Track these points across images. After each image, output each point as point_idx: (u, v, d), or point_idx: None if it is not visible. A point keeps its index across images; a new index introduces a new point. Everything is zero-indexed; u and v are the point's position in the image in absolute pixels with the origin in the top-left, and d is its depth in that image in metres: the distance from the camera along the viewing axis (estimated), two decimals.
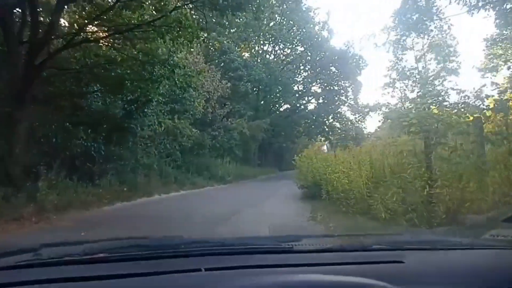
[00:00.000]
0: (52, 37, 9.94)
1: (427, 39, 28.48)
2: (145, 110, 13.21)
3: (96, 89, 12.56)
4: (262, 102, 31.49)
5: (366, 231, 5.08)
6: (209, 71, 21.35)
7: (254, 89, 28.99)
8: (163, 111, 15.56)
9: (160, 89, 12.93)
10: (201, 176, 18.12)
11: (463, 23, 64.45)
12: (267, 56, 32.59)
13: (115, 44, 12.34)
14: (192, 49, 12.77)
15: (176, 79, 11.26)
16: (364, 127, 31.75)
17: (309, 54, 33.70)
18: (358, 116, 32.11)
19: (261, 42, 33.17)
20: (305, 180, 11.06)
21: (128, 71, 11.89)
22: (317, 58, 33.25)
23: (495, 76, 27.83)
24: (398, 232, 4.29)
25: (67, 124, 10.41)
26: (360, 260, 1.46)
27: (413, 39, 28.94)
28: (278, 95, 32.95)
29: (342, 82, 32.76)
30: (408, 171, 5.64)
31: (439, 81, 27.17)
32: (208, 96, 20.65)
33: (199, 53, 20.70)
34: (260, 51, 32.69)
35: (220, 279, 1.24)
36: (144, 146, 13.86)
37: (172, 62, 10.83)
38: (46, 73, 11.22)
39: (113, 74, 11.76)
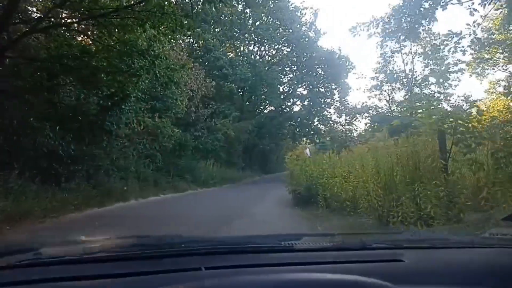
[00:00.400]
0: (13, 20, 8.78)
1: (417, 41, 28.15)
2: (123, 106, 12.05)
3: (68, 82, 11.36)
4: (247, 103, 30.53)
5: (366, 230, 4.94)
6: (193, 69, 20.40)
7: (239, 89, 28.01)
8: (142, 108, 14.42)
9: (140, 84, 11.82)
10: (183, 179, 16.99)
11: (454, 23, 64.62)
12: (253, 56, 31.65)
13: (90, 33, 11.21)
14: (174, 41, 11.68)
15: (157, 72, 10.15)
16: (355, 129, 31.07)
17: (296, 55, 32.96)
18: (348, 118, 31.42)
19: (247, 41, 32.27)
20: (297, 184, 10.12)
21: (104, 63, 10.79)
22: (304, 59, 32.53)
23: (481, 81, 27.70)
24: (398, 231, 4.19)
25: (31, 119, 9.20)
26: (360, 259, 1.46)
27: (401, 42, 28.62)
28: (263, 96, 32.03)
29: (329, 84, 32.06)
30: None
31: (426, 84, 26.75)
32: (191, 94, 19.60)
33: (182, 50, 19.65)
34: (246, 51, 31.75)
35: (220, 278, 1.23)
36: (121, 146, 12.67)
37: (152, 52, 9.74)
38: (9, 62, 10.08)
39: (87, 66, 10.66)
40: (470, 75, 26.80)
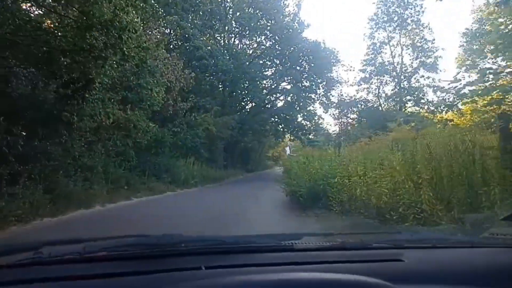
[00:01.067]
0: None
1: (404, 33, 27.08)
2: (86, 95, 10.14)
3: (18, 64, 9.41)
4: (228, 98, 28.70)
5: (366, 230, 4.68)
6: (170, 58, 18.67)
7: (220, 83, 26.21)
8: (112, 99, 12.51)
9: (106, 69, 9.96)
10: (160, 179, 15.17)
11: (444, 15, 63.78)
12: (234, 49, 29.80)
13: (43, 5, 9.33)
14: (146, 15, 9.84)
15: (125, 50, 8.34)
16: (350, 123, 29.34)
17: (279, 48, 31.36)
18: (340, 113, 29.67)
19: (228, 33, 30.50)
20: (297, 185, 8.48)
21: (63, 41, 8.97)
22: (287, 52, 30.92)
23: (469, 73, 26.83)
24: (398, 231, 3.95)
25: None
26: (360, 259, 1.47)
27: (389, 33, 27.49)
28: (245, 91, 30.34)
29: (314, 77, 30.43)
30: None
31: (415, 77, 25.65)
32: (169, 85, 17.80)
33: (157, 38, 17.80)
34: (227, 43, 29.91)
35: (220, 277, 1.23)
36: (85, 142, 10.76)
37: (118, 24, 7.91)
38: None
39: (42, 46, 8.84)
40: (459, 68, 25.93)
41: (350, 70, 28.47)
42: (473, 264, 1.45)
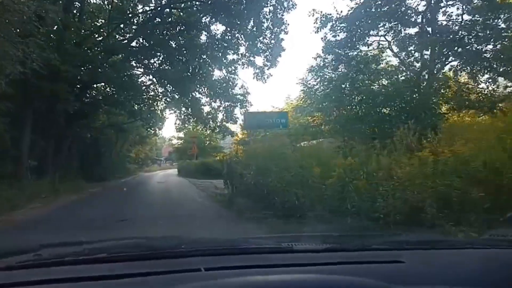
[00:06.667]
0: None
1: None
2: None
3: None
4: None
5: (366, 231, 4.76)
6: None
7: None
8: None
9: None
10: None
11: None
12: None
13: None
14: None
15: None
16: None
17: None
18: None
19: None
20: None
21: None
22: None
23: None
24: (398, 232, 3.98)
25: None
26: (360, 260, 1.45)
27: None
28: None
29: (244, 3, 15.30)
30: None
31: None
32: None
33: None
34: None
35: (220, 279, 1.21)
36: None
37: None
38: None
39: None
40: None
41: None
42: (473, 265, 1.42)
